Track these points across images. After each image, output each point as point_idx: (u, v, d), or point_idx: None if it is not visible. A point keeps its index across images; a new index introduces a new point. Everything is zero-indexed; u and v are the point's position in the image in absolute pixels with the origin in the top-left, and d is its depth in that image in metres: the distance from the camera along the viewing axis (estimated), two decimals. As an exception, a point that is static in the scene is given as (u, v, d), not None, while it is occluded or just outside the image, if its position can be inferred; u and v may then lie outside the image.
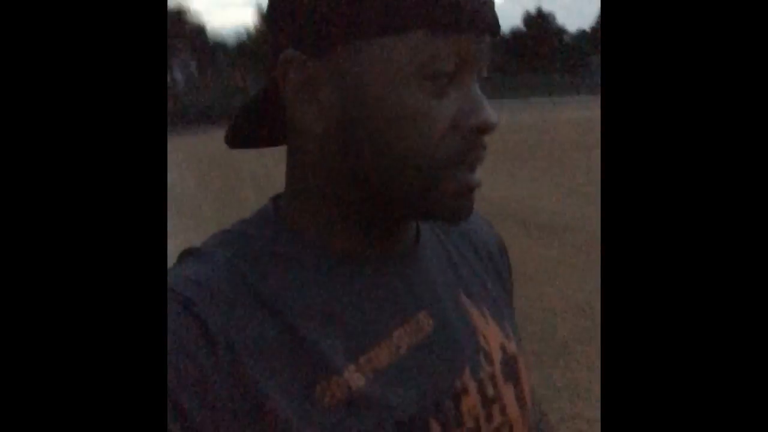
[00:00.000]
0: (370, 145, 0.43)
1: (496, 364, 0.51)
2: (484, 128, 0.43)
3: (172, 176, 11.81)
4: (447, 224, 0.50)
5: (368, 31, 0.41)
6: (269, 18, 0.44)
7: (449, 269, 0.53)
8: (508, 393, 0.51)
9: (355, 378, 0.43)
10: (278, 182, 9.98)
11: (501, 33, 0.46)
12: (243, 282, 0.44)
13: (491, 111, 0.43)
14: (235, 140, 0.50)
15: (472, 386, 0.48)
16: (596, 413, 2.58)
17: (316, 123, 0.44)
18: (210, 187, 9.91)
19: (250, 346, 0.41)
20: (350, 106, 0.43)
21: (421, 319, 0.48)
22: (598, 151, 9.89)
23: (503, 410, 0.50)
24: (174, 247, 5.33)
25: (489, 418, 0.49)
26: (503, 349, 0.53)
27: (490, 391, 0.50)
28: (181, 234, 5.62)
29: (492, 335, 0.52)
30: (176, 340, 0.39)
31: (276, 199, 0.51)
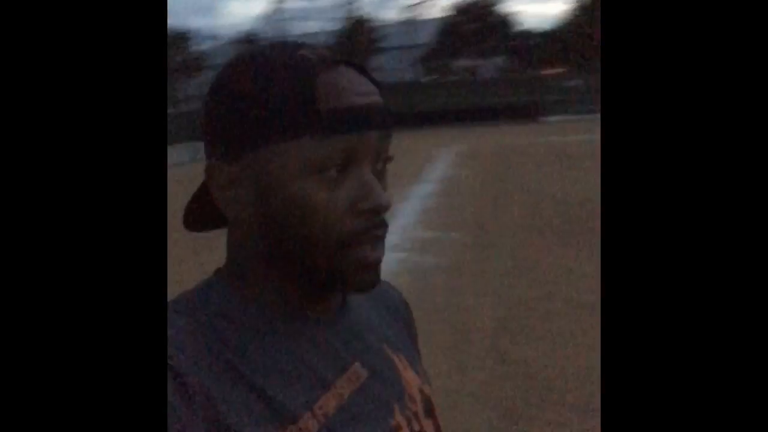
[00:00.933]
0: (281, 230, 0.51)
1: (418, 404, 0.59)
2: (378, 210, 0.50)
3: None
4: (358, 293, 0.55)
5: (267, 140, 0.49)
6: (202, 133, 0.54)
7: (374, 326, 0.61)
8: (429, 428, 0.59)
9: (310, 425, 0.49)
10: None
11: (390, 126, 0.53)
12: (207, 342, 0.49)
13: (383, 194, 0.50)
14: (190, 225, 0.58)
15: (403, 423, 0.56)
16: None
17: (239, 214, 0.52)
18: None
19: (221, 396, 0.46)
20: (262, 199, 0.51)
21: (357, 368, 0.55)
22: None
23: None
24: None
25: None
26: (421, 391, 0.60)
27: (416, 427, 0.57)
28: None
29: (411, 380, 0.60)
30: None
31: (217, 272, 0.56)
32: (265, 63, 0.50)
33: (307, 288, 0.54)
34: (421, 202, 8.06)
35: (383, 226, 0.51)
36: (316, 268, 0.52)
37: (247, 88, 0.50)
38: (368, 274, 0.51)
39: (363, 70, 0.53)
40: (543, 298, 3.99)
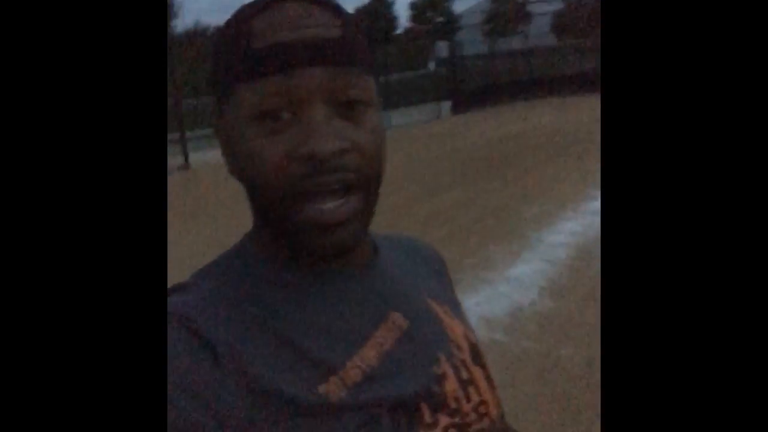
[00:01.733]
0: (246, 185, 0.50)
1: (465, 351, 0.57)
2: (312, 156, 0.45)
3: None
4: (321, 255, 0.51)
5: (222, 90, 0.49)
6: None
7: (410, 277, 0.60)
8: (478, 375, 0.57)
9: (352, 375, 0.48)
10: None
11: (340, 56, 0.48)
12: (232, 304, 0.48)
13: (322, 139, 0.45)
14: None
15: (449, 371, 0.54)
16: None
17: (231, 169, 0.52)
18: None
19: (251, 353, 0.45)
20: (230, 152, 0.51)
21: (396, 318, 0.53)
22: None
23: (478, 390, 0.56)
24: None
25: (467, 398, 0.54)
26: (467, 338, 0.59)
27: (465, 375, 0.55)
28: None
29: (456, 328, 0.58)
30: (177, 355, 0.43)
31: (246, 235, 0.56)
32: (231, 17, 0.50)
33: (296, 248, 0.51)
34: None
35: (336, 171, 0.47)
36: (278, 226, 0.50)
37: (215, 42, 0.50)
38: (326, 237, 0.48)
39: (316, 1, 0.48)
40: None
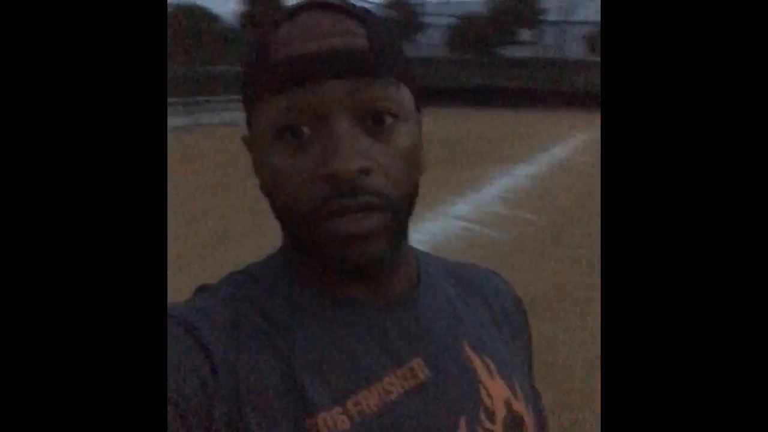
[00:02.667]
0: (271, 202, 0.48)
1: (498, 422, 0.49)
2: (332, 176, 0.42)
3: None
4: (341, 269, 0.47)
5: (247, 105, 0.47)
6: None
7: (453, 319, 0.52)
8: None
9: (340, 421, 0.43)
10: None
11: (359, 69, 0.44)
12: (244, 315, 0.46)
13: (344, 158, 0.42)
14: None
15: None
16: None
17: (259, 184, 0.49)
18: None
19: (248, 370, 0.43)
20: (256, 168, 0.49)
21: (415, 366, 0.47)
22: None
23: None
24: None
25: None
26: (508, 406, 0.50)
27: None
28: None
29: (496, 390, 0.50)
30: (180, 360, 0.41)
31: (281, 248, 0.53)
32: (259, 27, 0.47)
33: (322, 267, 0.48)
34: (515, 181, 8.02)
35: (358, 194, 0.43)
36: (302, 244, 0.47)
37: (244, 53, 0.48)
38: (350, 250, 0.44)
39: (343, 9, 0.45)
40: (580, 286, 3.99)
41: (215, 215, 5.68)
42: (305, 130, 0.44)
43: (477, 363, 0.51)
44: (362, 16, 0.46)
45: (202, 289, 0.51)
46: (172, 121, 12.80)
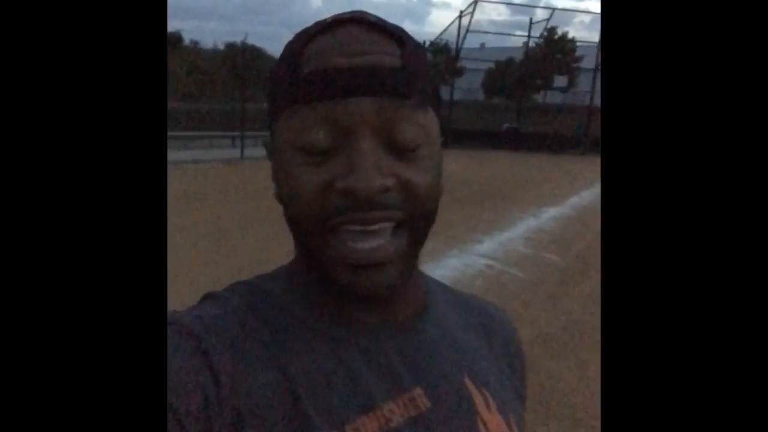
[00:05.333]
0: (285, 213, 0.46)
1: None
2: (350, 191, 0.41)
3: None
4: (359, 298, 0.45)
5: (272, 114, 0.46)
6: None
7: (455, 348, 0.51)
8: None
9: None
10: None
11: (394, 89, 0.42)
12: (249, 328, 0.45)
13: (364, 174, 0.41)
14: None
15: None
16: None
17: (276, 195, 0.47)
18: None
19: (250, 389, 0.42)
20: (275, 178, 0.47)
21: (416, 396, 0.47)
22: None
23: None
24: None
25: None
26: None
27: None
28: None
29: (494, 425, 0.49)
30: (183, 370, 0.40)
31: (293, 261, 0.52)
32: (292, 39, 0.46)
33: (329, 287, 0.47)
34: (542, 222, 8.15)
35: (375, 209, 0.42)
36: (311, 259, 0.46)
37: (276, 63, 0.47)
38: (360, 279, 0.43)
39: (379, 27, 0.44)
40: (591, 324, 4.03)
41: (257, 240, 5.91)
42: (325, 144, 0.43)
43: (476, 396, 0.50)
44: (398, 35, 0.45)
45: (208, 297, 0.50)
46: (225, 153, 13.46)
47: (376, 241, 0.43)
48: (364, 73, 0.42)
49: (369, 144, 0.42)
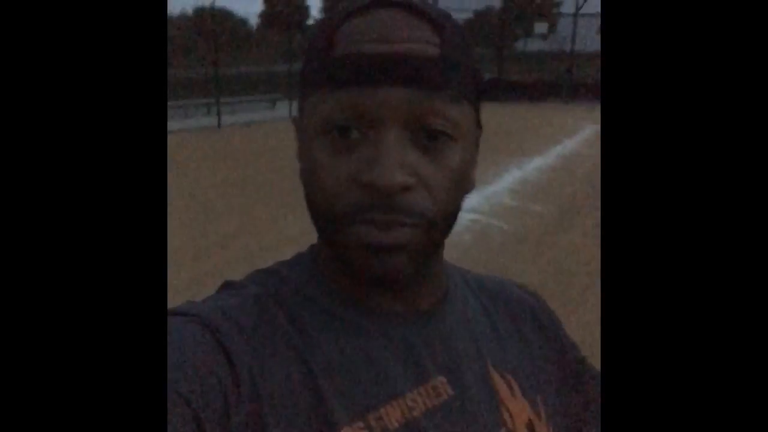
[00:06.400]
0: (306, 198, 0.45)
1: None
2: (371, 186, 0.40)
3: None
4: (369, 281, 0.44)
5: (302, 94, 0.45)
6: None
7: (478, 335, 0.51)
8: None
9: None
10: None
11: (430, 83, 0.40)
12: (269, 318, 0.44)
13: (387, 170, 0.39)
14: None
15: None
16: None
17: (301, 177, 0.46)
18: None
19: (270, 381, 0.41)
20: (300, 161, 0.46)
21: (439, 384, 0.46)
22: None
23: None
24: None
25: None
26: (530, 427, 0.49)
27: None
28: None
29: (518, 411, 0.48)
30: (201, 361, 0.39)
31: (313, 246, 0.50)
32: (326, 16, 0.44)
33: (350, 273, 0.46)
34: (527, 173, 8.10)
35: (393, 210, 0.41)
36: (329, 243, 0.45)
37: (309, 38, 0.45)
38: (373, 260, 0.42)
39: (420, 11, 0.41)
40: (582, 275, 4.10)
41: (239, 209, 5.84)
42: (354, 132, 0.41)
43: (499, 383, 0.50)
44: (439, 21, 0.42)
45: (227, 286, 0.49)
46: (199, 121, 13.12)
47: (391, 233, 0.42)
48: (396, 62, 0.40)
49: (396, 136, 0.41)
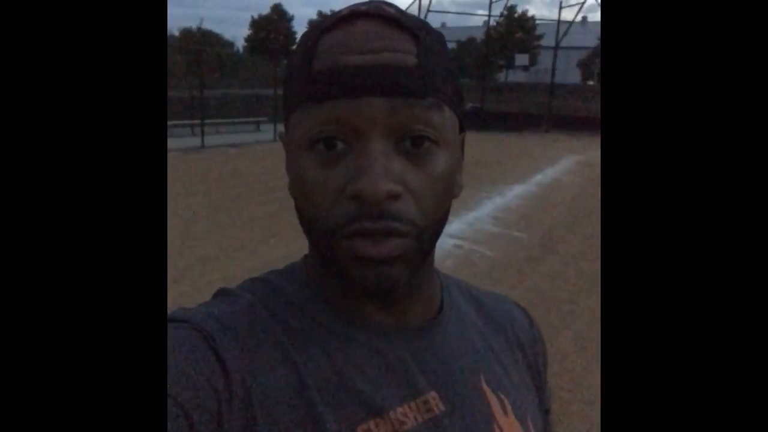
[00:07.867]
0: (297, 212, 0.45)
1: None
2: (358, 197, 0.40)
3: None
4: (365, 293, 0.45)
5: (287, 110, 0.45)
6: None
7: (472, 351, 0.51)
8: None
9: None
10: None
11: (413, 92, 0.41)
12: (262, 326, 0.44)
13: (372, 180, 0.40)
14: None
15: None
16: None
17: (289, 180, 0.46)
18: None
19: (263, 389, 0.41)
20: (288, 175, 0.46)
21: (431, 400, 0.46)
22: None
23: None
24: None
25: None
26: None
27: None
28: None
29: (508, 428, 0.48)
30: (194, 369, 0.39)
31: (306, 257, 0.50)
32: (306, 31, 0.45)
33: (343, 286, 0.46)
34: (508, 200, 8.26)
35: (382, 218, 0.41)
36: (323, 257, 0.45)
37: (291, 55, 0.45)
38: (368, 272, 0.42)
39: (396, 21, 0.42)
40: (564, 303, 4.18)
41: (224, 229, 5.83)
42: (339, 144, 0.42)
43: (492, 400, 0.49)
44: (415, 30, 0.42)
45: (221, 293, 0.49)
46: (183, 141, 13.11)
47: (383, 245, 0.42)
48: (375, 72, 0.41)
49: (380, 146, 0.41)
